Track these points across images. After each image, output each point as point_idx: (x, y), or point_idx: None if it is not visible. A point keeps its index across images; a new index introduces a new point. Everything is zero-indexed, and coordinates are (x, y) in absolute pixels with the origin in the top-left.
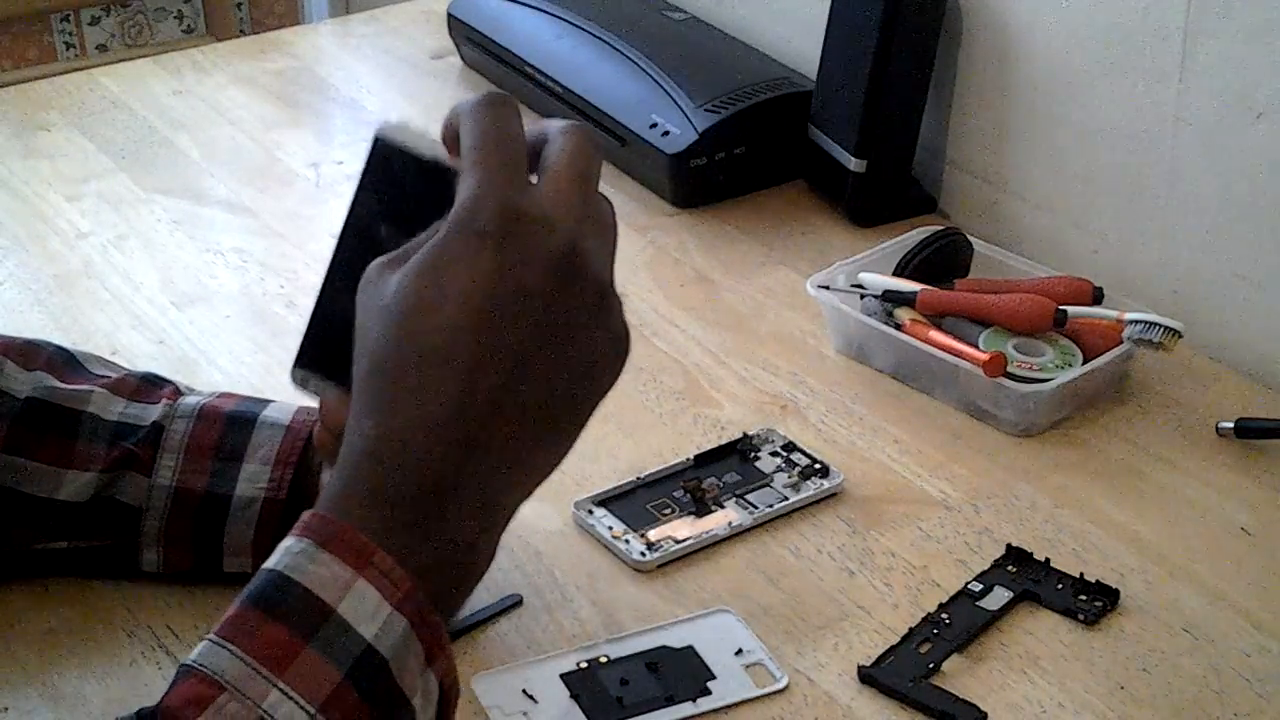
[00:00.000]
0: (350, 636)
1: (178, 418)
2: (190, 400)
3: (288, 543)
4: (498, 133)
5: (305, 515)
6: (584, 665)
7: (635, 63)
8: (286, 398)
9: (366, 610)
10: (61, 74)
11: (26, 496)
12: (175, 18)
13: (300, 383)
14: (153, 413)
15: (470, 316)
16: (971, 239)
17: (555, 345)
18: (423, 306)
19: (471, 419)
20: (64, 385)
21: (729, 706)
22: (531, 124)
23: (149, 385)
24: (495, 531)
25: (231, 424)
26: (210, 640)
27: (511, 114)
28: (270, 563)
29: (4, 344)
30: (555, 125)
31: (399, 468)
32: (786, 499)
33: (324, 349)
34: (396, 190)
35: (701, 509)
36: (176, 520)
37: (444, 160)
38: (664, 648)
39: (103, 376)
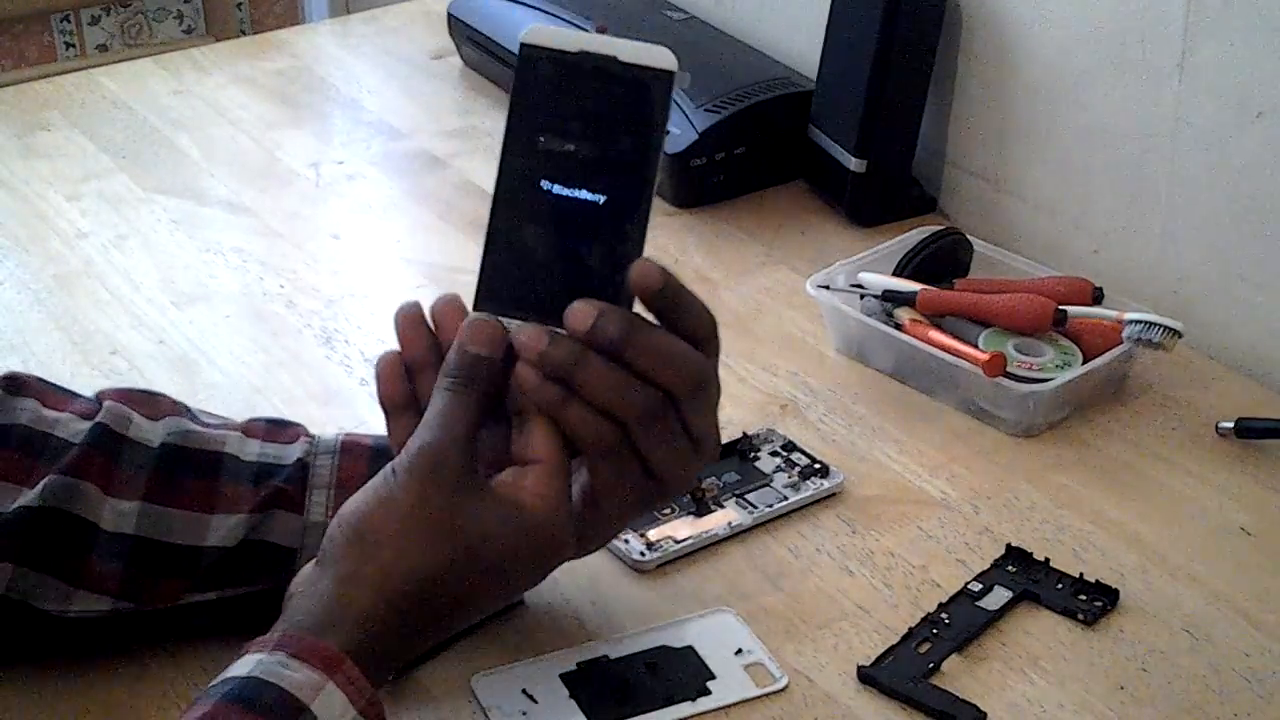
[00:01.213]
0: None
1: (321, 454)
2: (329, 436)
3: (258, 656)
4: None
5: (271, 636)
6: (584, 665)
7: None
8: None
9: (335, 711)
10: (61, 74)
11: (172, 547)
12: (175, 18)
13: None
14: (293, 451)
15: (460, 552)
16: (971, 239)
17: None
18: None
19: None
20: (198, 428)
21: (728, 706)
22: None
23: (277, 426)
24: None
25: (377, 456)
26: None
27: None
28: (238, 671)
29: (121, 396)
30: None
31: (361, 624)
32: (786, 499)
33: (505, 282)
34: (549, 94)
35: (701, 509)
36: None
37: (590, 49)
38: (664, 647)
39: (222, 421)
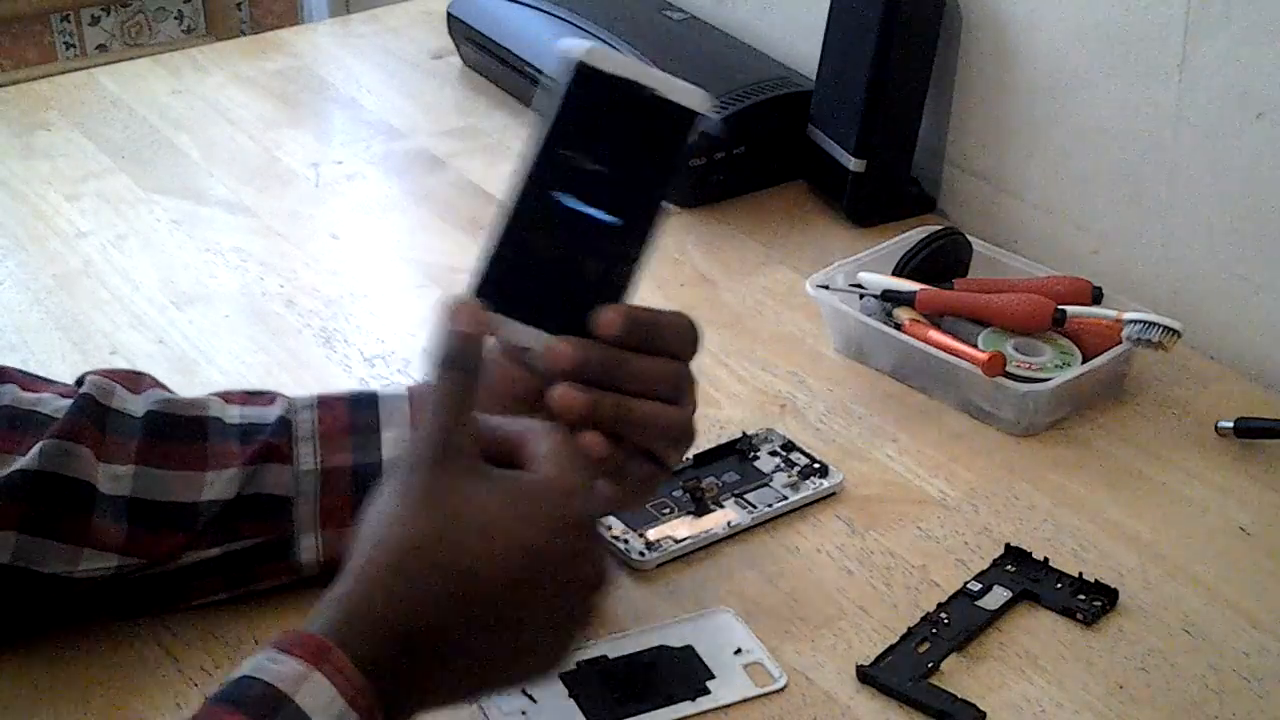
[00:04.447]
0: None
1: (300, 409)
2: (304, 395)
3: (255, 656)
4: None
5: (275, 635)
6: (583, 664)
7: None
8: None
9: (321, 702)
10: (61, 74)
11: (170, 505)
12: (175, 18)
13: None
14: (272, 411)
15: (504, 560)
16: (971, 239)
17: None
18: (478, 531)
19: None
20: (178, 397)
21: (728, 706)
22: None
23: (254, 394)
24: (443, 698)
25: (355, 404)
26: None
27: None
28: (235, 673)
29: (104, 373)
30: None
31: (343, 605)
32: (785, 498)
33: (505, 282)
34: (587, 113)
35: (701, 508)
36: (330, 499)
37: (637, 78)
38: (663, 647)
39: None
